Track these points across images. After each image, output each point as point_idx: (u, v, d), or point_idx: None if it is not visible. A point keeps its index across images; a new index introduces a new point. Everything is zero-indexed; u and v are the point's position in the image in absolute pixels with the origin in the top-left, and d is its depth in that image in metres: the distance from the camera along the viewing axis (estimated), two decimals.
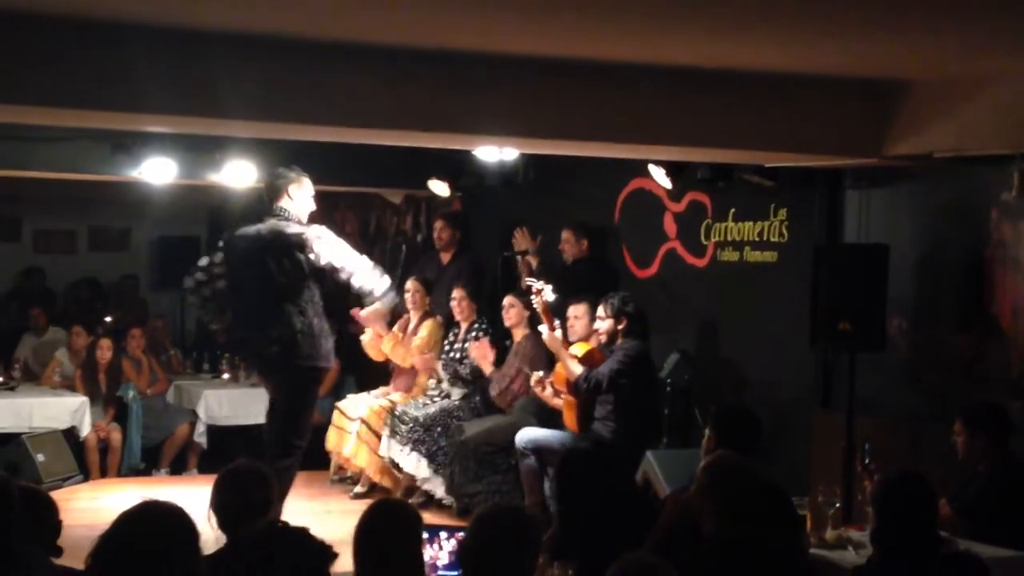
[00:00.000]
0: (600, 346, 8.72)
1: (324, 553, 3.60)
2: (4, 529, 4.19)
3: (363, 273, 7.97)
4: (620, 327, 8.52)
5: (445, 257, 11.15)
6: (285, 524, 3.78)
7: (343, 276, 7.90)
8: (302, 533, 3.58)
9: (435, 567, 5.26)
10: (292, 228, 7.88)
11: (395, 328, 10.44)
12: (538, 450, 8.70)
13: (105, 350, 11.49)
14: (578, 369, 8.46)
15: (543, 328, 8.73)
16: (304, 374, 7.93)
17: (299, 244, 7.81)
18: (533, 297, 8.81)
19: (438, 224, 11.18)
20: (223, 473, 4.79)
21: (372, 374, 11.04)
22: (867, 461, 6.44)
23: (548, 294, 8.75)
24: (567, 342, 8.77)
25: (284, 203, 7.98)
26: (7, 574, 4.11)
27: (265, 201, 8.15)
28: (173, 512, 3.57)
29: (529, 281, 9.05)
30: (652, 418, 8.66)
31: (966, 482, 6.39)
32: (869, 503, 5.93)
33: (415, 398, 10.34)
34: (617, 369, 8.35)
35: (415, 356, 10.35)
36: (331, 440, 10.46)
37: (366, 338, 10.42)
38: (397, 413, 9.90)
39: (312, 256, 7.81)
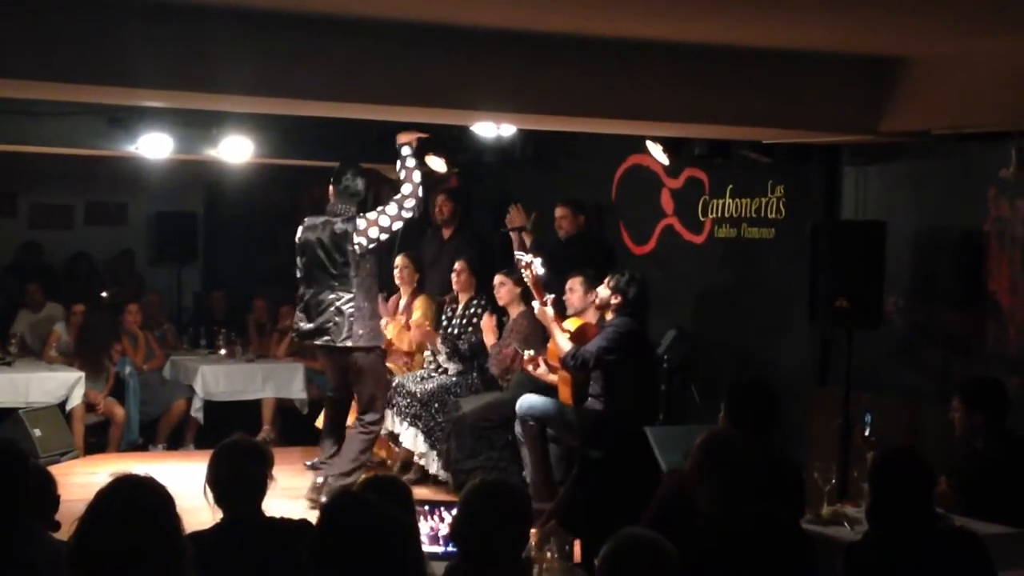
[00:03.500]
0: (596, 319, 8.70)
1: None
2: (18, 504, 4.21)
3: (394, 216, 8.73)
4: (615, 302, 8.47)
5: (446, 232, 11.12)
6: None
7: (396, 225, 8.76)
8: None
9: (436, 538, 5.31)
10: (345, 222, 8.68)
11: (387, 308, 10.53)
12: (539, 418, 8.71)
13: (73, 316, 11.58)
14: (567, 346, 8.43)
15: (536, 303, 8.71)
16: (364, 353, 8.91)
17: (349, 236, 8.67)
18: (523, 271, 8.80)
19: (439, 199, 11.15)
20: (219, 448, 4.78)
21: None
22: (867, 433, 6.44)
23: (538, 267, 8.74)
24: (560, 316, 8.75)
25: (353, 202, 8.83)
26: (20, 549, 4.12)
27: (343, 198, 8.83)
28: (147, 483, 3.57)
29: (519, 255, 9.02)
30: (647, 395, 8.62)
31: (964, 459, 6.39)
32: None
33: (412, 371, 10.34)
34: (604, 346, 8.30)
35: (415, 331, 10.34)
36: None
37: None
38: (394, 384, 9.89)
39: (352, 247, 8.65)
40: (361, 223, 8.64)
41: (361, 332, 8.69)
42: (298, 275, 8.94)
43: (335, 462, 8.93)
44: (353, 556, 3.44)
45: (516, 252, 9.28)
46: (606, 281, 8.55)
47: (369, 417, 8.92)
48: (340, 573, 3.46)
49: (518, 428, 8.90)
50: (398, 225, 8.76)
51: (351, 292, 8.64)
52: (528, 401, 8.81)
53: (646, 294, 8.51)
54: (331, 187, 8.84)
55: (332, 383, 9.33)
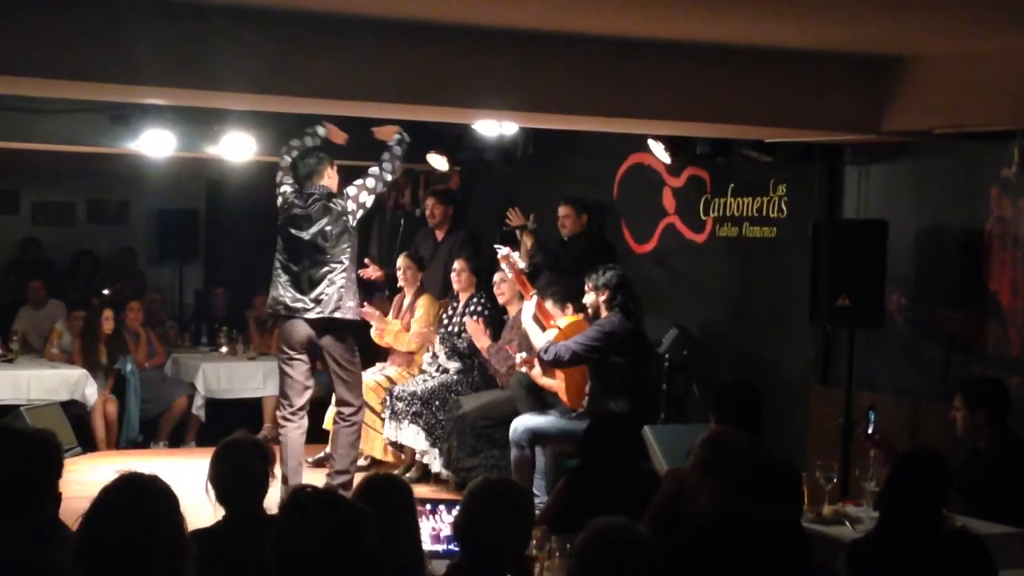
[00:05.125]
0: (589, 317, 8.67)
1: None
2: (46, 499, 4.20)
3: (377, 177, 8.61)
4: (602, 299, 8.43)
5: (439, 234, 11.13)
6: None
7: (379, 188, 8.69)
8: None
9: (438, 538, 5.32)
10: (336, 201, 8.49)
11: (390, 313, 10.54)
12: (535, 440, 8.61)
13: (106, 320, 11.49)
14: (540, 341, 8.39)
15: (527, 300, 8.67)
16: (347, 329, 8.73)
17: (343, 212, 8.49)
18: (503, 264, 8.78)
19: (429, 201, 11.16)
20: (220, 446, 4.79)
21: (371, 349, 11.05)
22: (871, 431, 6.44)
23: (517, 259, 8.73)
24: (550, 315, 8.71)
25: (324, 181, 8.55)
26: (43, 547, 4.11)
27: (301, 180, 8.56)
28: (152, 482, 3.57)
29: (496, 247, 8.96)
30: (641, 395, 8.58)
31: (966, 459, 6.39)
32: (872, 473, 5.95)
33: (412, 375, 10.34)
34: (583, 343, 8.20)
35: (414, 333, 10.33)
36: (329, 419, 10.37)
37: (374, 331, 10.52)
38: (395, 393, 9.89)
39: (344, 219, 8.49)
40: (352, 190, 8.53)
41: (351, 304, 8.57)
42: (281, 250, 8.60)
43: (332, 461, 8.84)
44: (314, 551, 3.44)
45: (495, 245, 9.18)
46: (586, 288, 8.49)
47: (348, 410, 8.74)
48: (303, 569, 3.46)
49: (512, 448, 8.80)
50: (381, 187, 8.68)
51: (343, 263, 8.51)
52: (524, 423, 8.66)
53: (626, 280, 8.41)
54: (306, 182, 8.60)
55: (285, 382, 8.77)
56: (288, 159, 8.70)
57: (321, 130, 8.79)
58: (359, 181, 8.60)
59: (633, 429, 5.97)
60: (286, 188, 8.60)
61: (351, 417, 8.80)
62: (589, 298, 8.46)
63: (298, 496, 3.66)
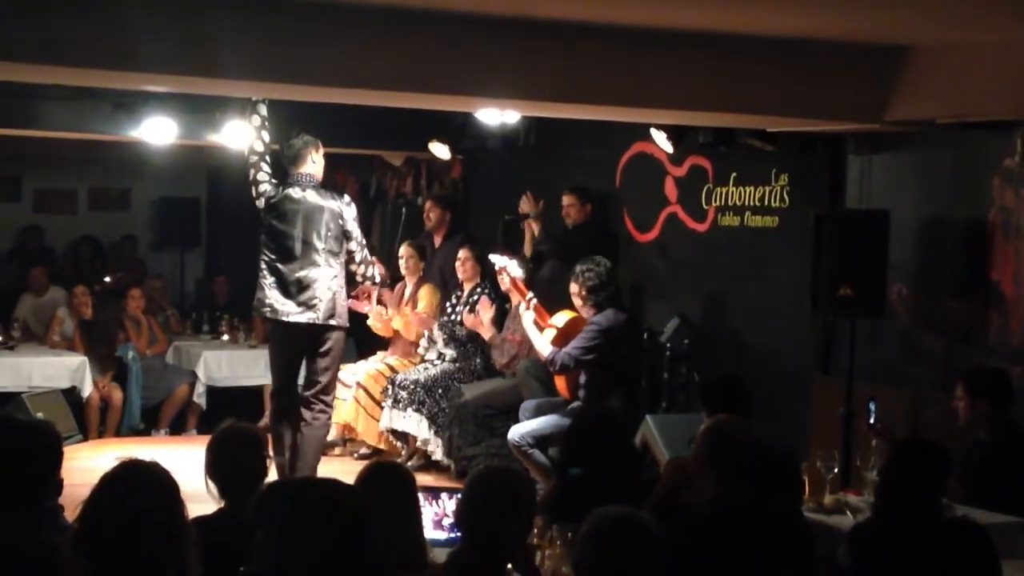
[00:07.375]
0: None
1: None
2: (47, 487, 4.21)
3: (365, 257, 8.48)
4: (583, 293, 8.44)
5: (437, 239, 11.03)
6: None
7: (353, 248, 8.35)
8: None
9: (440, 526, 5.33)
10: (331, 199, 8.25)
11: (392, 299, 10.54)
12: (538, 441, 8.59)
13: (84, 307, 11.49)
14: (545, 351, 8.40)
15: (523, 306, 8.66)
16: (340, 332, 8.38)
17: (339, 213, 8.21)
18: (499, 275, 8.79)
19: (427, 205, 11.07)
20: (215, 435, 4.80)
21: (371, 338, 11.06)
22: (872, 421, 6.43)
23: (514, 269, 8.71)
24: (548, 313, 8.72)
25: (307, 168, 8.27)
26: (45, 534, 4.12)
27: (286, 165, 8.32)
28: (152, 469, 3.58)
29: (493, 259, 8.94)
30: (635, 386, 8.57)
31: (968, 450, 6.39)
32: (873, 463, 5.95)
33: (414, 364, 10.34)
34: (582, 347, 8.29)
35: (416, 320, 10.32)
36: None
37: (371, 320, 10.49)
38: (397, 381, 9.88)
39: (341, 223, 8.23)
40: (352, 209, 8.28)
41: (342, 311, 8.25)
42: (269, 249, 8.18)
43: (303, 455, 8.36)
44: (315, 541, 3.45)
45: (491, 256, 9.14)
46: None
47: (329, 397, 8.43)
48: (305, 560, 3.46)
49: (520, 459, 8.63)
50: (352, 247, 8.33)
51: (335, 269, 8.17)
52: (521, 430, 8.59)
53: (606, 278, 8.42)
54: (291, 167, 8.33)
55: (281, 378, 8.46)
56: (255, 156, 8.28)
57: (263, 107, 8.37)
58: (360, 234, 8.36)
59: (615, 425, 5.92)
60: (266, 187, 8.22)
61: (324, 412, 8.42)
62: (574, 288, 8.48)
63: (291, 486, 3.66)
